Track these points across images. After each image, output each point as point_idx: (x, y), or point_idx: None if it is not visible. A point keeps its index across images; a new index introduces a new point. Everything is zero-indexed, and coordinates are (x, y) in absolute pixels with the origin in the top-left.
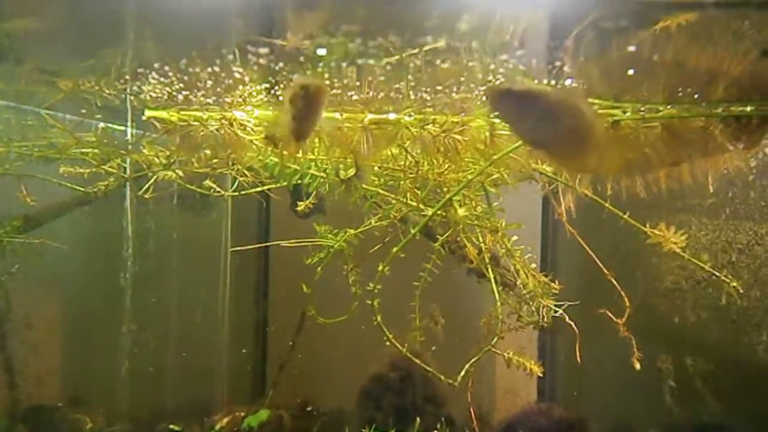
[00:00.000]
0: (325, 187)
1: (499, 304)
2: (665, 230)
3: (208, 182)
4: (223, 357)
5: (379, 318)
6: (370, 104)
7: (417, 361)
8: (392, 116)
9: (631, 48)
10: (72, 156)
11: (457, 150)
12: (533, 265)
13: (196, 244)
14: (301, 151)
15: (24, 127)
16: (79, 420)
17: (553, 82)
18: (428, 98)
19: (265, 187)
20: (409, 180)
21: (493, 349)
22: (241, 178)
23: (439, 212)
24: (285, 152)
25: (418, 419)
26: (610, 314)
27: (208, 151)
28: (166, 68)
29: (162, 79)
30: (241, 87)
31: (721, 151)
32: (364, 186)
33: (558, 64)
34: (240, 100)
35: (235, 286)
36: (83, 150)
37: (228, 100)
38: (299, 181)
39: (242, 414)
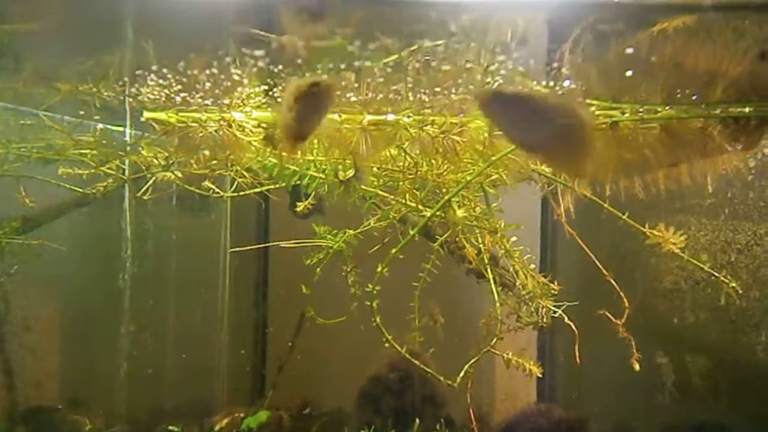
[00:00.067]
0: (324, 187)
1: (498, 304)
2: (664, 231)
3: (207, 183)
4: (222, 358)
5: (378, 319)
6: (369, 105)
7: (416, 362)
8: (391, 117)
9: (630, 49)
10: (71, 157)
11: (455, 151)
12: (532, 266)
13: (196, 245)
14: (300, 152)
15: (23, 129)
16: (78, 421)
17: (551, 84)
18: (427, 99)
19: (264, 188)
20: (408, 181)
21: (492, 350)
22: (240, 179)
23: (438, 213)
24: (285, 153)
25: (417, 420)
26: (609, 315)
27: (206, 152)
28: (165, 70)
29: (160, 81)
30: (239, 89)
31: (719, 152)
32: (363, 187)
33: (556, 65)
34: (238, 101)
35: (235, 287)
36: (82, 151)
37: (226, 101)
38: (298, 182)
39: (241, 415)
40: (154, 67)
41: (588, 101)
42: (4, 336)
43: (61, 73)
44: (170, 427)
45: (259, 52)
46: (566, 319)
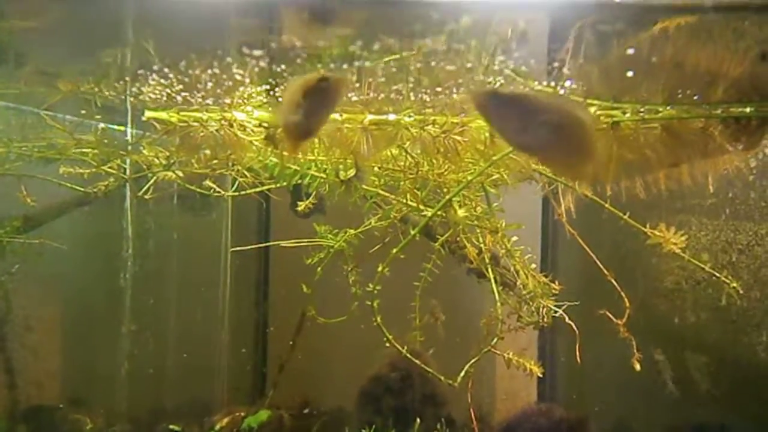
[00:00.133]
0: (325, 187)
1: (499, 304)
2: (665, 231)
3: (208, 182)
4: (223, 357)
5: (378, 319)
6: (370, 105)
7: (417, 361)
8: (392, 117)
9: (631, 50)
10: (72, 156)
11: (456, 151)
12: (533, 266)
13: (196, 245)
14: (301, 152)
15: (24, 128)
16: (79, 420)
17: (552, 84)
18: (428, 99)
19: (265, 187)
20: (409, 180)
21: (493, 350)
22: (241, 179)
23: (439, 213)
24: (288, 151)
25: (418, 420)
26: (610, 315)
27: (207, 152)
28: (166, 69)
29: (162, 81)
30: (241, 88)
31: (720, 152)
32: (364, 186)
33: (557, 65)
34: (239, 101)
35: (235, 287)
36: (83, 150)
37: (227, 101)
38: (299, 182)
39: (242, 414)
40: (155, 67)
41: (589, 101)
42: (6, 335)
43: (63, 73)
44: (171, 426)
45: (258, 52)
46: (567, 319)
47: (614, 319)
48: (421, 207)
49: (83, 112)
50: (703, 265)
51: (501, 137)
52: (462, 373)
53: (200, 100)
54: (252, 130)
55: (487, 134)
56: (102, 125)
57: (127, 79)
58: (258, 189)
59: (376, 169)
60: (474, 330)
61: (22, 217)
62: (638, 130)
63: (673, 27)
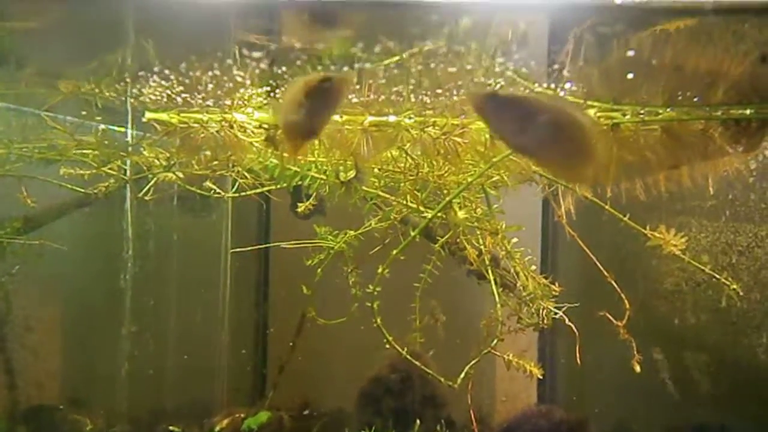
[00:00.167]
0: (325, 188)
1: (499, 305)
2: (665, 232)
3: (208, 184)
4: (223, 358)
5: (379, 320)
6: (370, 107)
7: (417, 363)
8: (392, 119)
9: (631, 52)
10: (72, 158)
11: (457, 152)
12: (533, 267)
13: (197, 246)
14: (301, 153)
15: (24, 129)
16: (79, 421)
17: (552, 86)
18: (428, 101)
19: (265, 189)
20: (409, 182)
21: (493, 351)
22: (241, 180)
23: (439, 214)
24: (289, 152)
25: (418, 421)
26: (610, 316)
27: (208, 153)
28: (166, 71)
29: (162, 82)
30: (241, 90)
31: (720, 153)
32: (364, 188)
33: (557, 67)
34: (240, 102)
35: (236, 288)
36: (83, 152)
37: (228, 102)
38: (299, 183)
39: (242, 415)
40: (155, 68)
41: (589, 103)
42: (6, 336)
43: (63, 74)
44: (171, 428)
45: (258, 54)
46: (567, 321)
47: (614, 321)
48: (421, 208)
49: (84, 113)
50: (703, 267)
51: (499, 139)
52: (462, 375)
53: (200, 101)
54: (252, 132)
55: (487, 136)
56: (102, 126)
57: (128, 80)
58: (258, 190)
59: (376, 170)
60: (474, 331)
61: (22, 218)
62: (638, 132)
63: (673, 29)
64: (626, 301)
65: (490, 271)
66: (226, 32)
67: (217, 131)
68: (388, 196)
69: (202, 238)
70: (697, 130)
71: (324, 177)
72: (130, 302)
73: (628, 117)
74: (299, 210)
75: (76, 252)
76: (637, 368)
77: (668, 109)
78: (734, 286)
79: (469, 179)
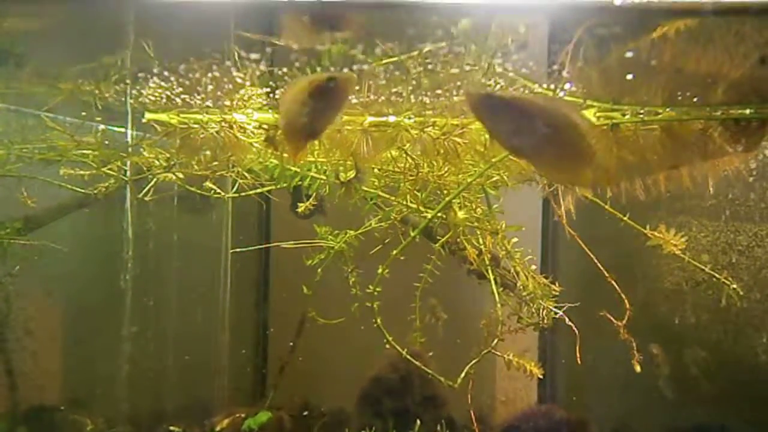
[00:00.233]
0: (325, 188)
1: (499, 305)
2: (665, 232)
3: (208, 184)
4: (223, 358)
5: (379, 320)
6: (370, 107)
7: (417, 363)
8: (392, 119)
9: (630, 52)
10: (72, 158)
11: (456, 152)
12: (533, 267)
13: (197, 246)
14: (303, 154)
15: (25, 130)
16: (80, 421)
17: (552, 86)
18: (428, 101)
19: (266, 189)
20: (409, 182)
21: (493, 351)
22: (241, 180)
23: (439, 214)
24: (291, 153)
25: (418, 421)
26: (610, 316)
27: (208, 154)
28: (166, 72)
29: (162, 83)
30: (241, 91)
31: (720, 153)
32: (364, 188)
33: (557, 67)
34: (240, 103)
35: (236, 288)
36: (83, 152)
37: (227, 103)
38: (299, 183)
39: (242, 415)
40: (155, 69)
41: (589, 103)
42: (6, 336)
43: (63, 75)
44: (171, 428)
45: (256, 56)
46: (567, 321)
47: (614, 321)
48: (421, 208)
49: (84, 113)
50: (703, 267)
51: (495, 139)
52: (462, 375)
53: (199, 101)
54: (252, 132)
55: (487, 136)
56: (102, 127)
57: (128, 81)
58: (258, 190)
59: (376, 170)
60: (474, 331)
61: (23, 218)
62: (638, 132)
63: (673, 30)
64: (626, 301)
65: (490, 271)
66: (226, 33)
67: (216, 132)
68: (388, 196)
69: (203, 239)
70: (696, 130)
71: (324, 177)
72: (130, 302)
73: (627, 117)
74: (299, 210)
75: (76, 252)
76: (638, 368)
77: (668, 109)
78: (734, 286)
79: (469, 179)
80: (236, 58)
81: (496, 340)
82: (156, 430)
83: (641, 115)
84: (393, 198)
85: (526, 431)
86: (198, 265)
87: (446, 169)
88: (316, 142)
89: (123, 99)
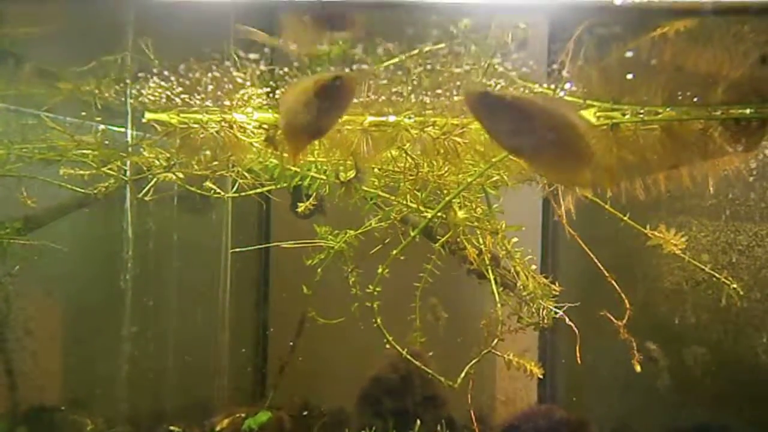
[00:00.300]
0: (325, 188)
1: (499, 305)
2: (665, 232)
3: (208, 184)
4: (223, 358)
5: (379, 320)
6: (370, 107)
7: (417, 363)
8: (392, 119)
9: (630, 52)
10: (72, 158)
11: (456, 152)
12: (533, 267)
13: (197, 246)
14: (303, 155)
15: (24, 130)
16: (80, 422)
17: (552, 86)
18: (428, 101)
19: (266, 189)
20: (409, 182)
21: (493, 351)
22: (241, 180)
23: (439, 214)
24: (292, 153)
25: (418, 421)
26: (610, 316)
27: (208, 153)
28: (166, 72)
29: (162, 83)
30: (242, 91)
31: (720, 153)
32: (364, 188)
33: (557, 67)
34: (240, 103)
35: (236, 288)
36: (83, 152)
37: (227, 103)
38: (299, 183)
39: (242, 415)
40: (155, 69)
41: (589, 103)
42: (6, 336)
43: (63, 74)
44: (171, 428)
45: (254, 56)
46: (567, 321)
47: (614, 321)
48: (421, 208)
49: (83, 113)
50: (703, 267)
51: (492, 138)
52: (462, 375)
53: (199, 101)
54: (252, 132)
55: (486, 136)
56: (102, 127)
57: (128, 81)
58: (258, 190)
59: (376, 170)
60: (474, 331)
61: (22, 218)
62: (638, 132)
63: (673, 30)
64: (626, 301)
65: (490, 271)
66: (226, 32)
67: (216, 132)
68: (388, 195)
69: (202, 239)
70: (696, 129)
71: (324, 177)
72: (130, 302)
73: (627, 117)
74: (299, 210)
75: (76, 252)
76: (638, 368)
77: (668, 109)
78: (734, 286)
79: (469, 179)
80: (236, 58)
81: (496, 340)
82: (156, 430)
83: (641, 115)
84: (393, 198)
85: (526, 431)
86: (198, 265)
87: (446, 168)
88: (316, 142)
89: (123, 99)
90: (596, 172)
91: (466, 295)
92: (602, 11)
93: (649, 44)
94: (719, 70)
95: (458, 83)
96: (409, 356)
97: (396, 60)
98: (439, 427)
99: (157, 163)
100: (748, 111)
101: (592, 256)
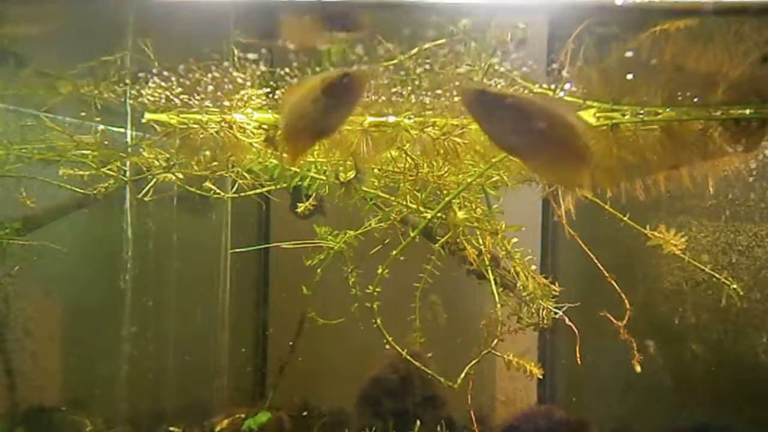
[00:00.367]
0: (325, 189)
1: (499, 305)
2: (665, 232)
3: (207, 184)
4: (223, 359)
5: (378, 320)
6: (370, 107)
7: (417, 363)
8: (392, 119)
9: (630, 52)
10: (72, 158)
11: (456, 152)
12: (533, 267)
13: (196, 246)
14: (304, 155)
15: (24, 130)
16: (79, 422)
17: (551, 86)
18: (428, 101)
19: (265, 189)
20: (408, 182)
21: (493, 351)
22: (240, 181)
23: (439, 214)
24: (294, 155)
25: (418, 422)
26: (610, 316)
27: (207, 154)
28: (166, 72)
29: (162, 83)
30: (242, 91)
31: (720, 153)
32: (363, 188)
33: (557, 67)
34: (239, 103)
35: (235, 288)
36: (83, 152)
37: (227, 103)
38: (299, 183)
39: (242, 416)
40: (154, 69)
41: (588, 103)
42: (6, 336)
43: (63, 75)
44: (171, 428)
45: (253, 56)
46: (567, 321)
47: (614, 321)
48: (421, 209)
49: (83, 114)
50: (703, 267)
51: (488, 137)
52: (462, 375)
53: (199, 101)
54: (252, 133)
55: (486, 136)
56: (102, 127)
57: (127, 81)
58: (258, 190)
59: (375, 171)
60: (474, 331)
61: (22, 218)
62: (638, 132)
63: (673, 30)
64: (626, 301)
65: (490, 271)
66: (226, 33)
67: (216, 132)
68: (387, 196)
69: (202, 239)
70: (696, 130)
71: (324, 177)
72: (130, 303)
73: (627, 117)
74: (299, 210)
75: (75, 253)
76: (638, 368)
77: (668, 109)
78: (734, 286)
79: (469, 179)
80: (235, 59)
81: (496, 341)
82: (155, 430)
83: (641, 115)
84: (393, 198)
85: (525, 431)
86: (198, 266)
87: (446, 169)
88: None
89: (122, 99)
90: (596, 173)
91: (466, 295)
92: (602, 11)
93: (649, 43)
94: (719, 70)
95: (458, 84)
96: (408, 357)
97: (397, 60)
98: (438, 428)
99: (156, 163)
100: (748, 111)
101: (591, 256)
